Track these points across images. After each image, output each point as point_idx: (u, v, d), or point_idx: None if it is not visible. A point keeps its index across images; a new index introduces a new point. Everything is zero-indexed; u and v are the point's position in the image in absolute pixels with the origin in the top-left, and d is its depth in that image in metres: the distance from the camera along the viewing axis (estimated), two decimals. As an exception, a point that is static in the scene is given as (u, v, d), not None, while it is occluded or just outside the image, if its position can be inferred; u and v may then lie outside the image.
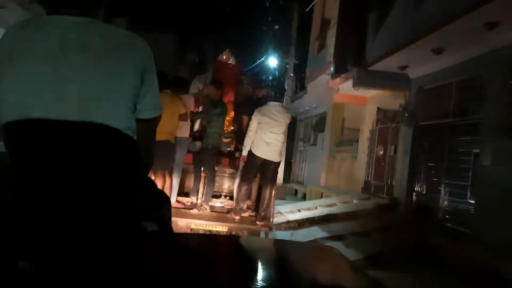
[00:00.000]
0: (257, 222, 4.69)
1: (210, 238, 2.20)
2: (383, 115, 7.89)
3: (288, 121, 4.82)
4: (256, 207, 5.03)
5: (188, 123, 4.93)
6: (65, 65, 0.99)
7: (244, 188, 4.79)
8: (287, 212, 7.16)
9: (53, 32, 1.02)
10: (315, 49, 10.88)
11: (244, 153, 4.80)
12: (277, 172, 4.88)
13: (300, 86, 11.75)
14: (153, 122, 1.20)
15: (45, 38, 1.01)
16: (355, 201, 7.62)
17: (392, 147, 7.66)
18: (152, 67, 1.14)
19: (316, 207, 7.43)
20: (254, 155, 4.68)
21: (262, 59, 12.55)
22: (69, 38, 1.02)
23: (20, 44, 1.00)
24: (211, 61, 6.94)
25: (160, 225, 1.19)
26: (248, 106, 5.09)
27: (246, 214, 5.01)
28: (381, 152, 8.05)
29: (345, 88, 8.19)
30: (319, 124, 11.74)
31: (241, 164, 4.89)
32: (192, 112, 5.03)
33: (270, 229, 4.79)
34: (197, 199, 5.03)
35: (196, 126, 5.33)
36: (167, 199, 1.34)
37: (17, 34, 1.03)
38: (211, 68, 6.80)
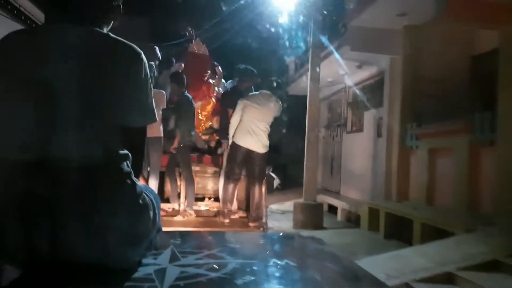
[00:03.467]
0: (250, 224, 4.40)
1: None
2: None
3: (277, 112, 4.49)
4: (246, 207, 4.78)
5: (158, 121, 4.52)
6: (57, 73, 1.07)
7: (230, 187, 4.49)
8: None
9: (48, 39, 1.12)
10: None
11: (230, 142, 4.53)
12: (264, 166, 4.62)
13: (332, 34, 6.51)
14: (143, 131, 1.30)
15: (40, 46, 1.11)
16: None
17: None
18: (146, 77, 1.20)
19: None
20: (237, 145, 4.42)
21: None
22: (63, 46, 1.10)
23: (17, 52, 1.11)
24: (181, 53, 6.39)
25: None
26: (233, 98, 4.70)
27: (236, 216, 4.68)
28: None
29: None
30: (367, 96, 7.59)
31: (225, 159, 4.73)
32: (164, 110, 4.78)
33: (264, 230, 4.36)
34: (179, 205, 4.80)
35: (171, 124, 4.95)
36: (156, 197, 1.33)
37: (16, 41, 1.13)
38: (181, 60, 6.03)
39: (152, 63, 5.84)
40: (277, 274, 1.19)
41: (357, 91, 7.84)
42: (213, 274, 1.15)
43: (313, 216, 6.14)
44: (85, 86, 1.08)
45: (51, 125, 1.05)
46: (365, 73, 7.39)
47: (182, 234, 2.31)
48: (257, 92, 4.59)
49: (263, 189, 4.61)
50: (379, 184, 6.51)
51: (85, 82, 1.08)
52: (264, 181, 4.63)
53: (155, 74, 5.77)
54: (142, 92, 1.20)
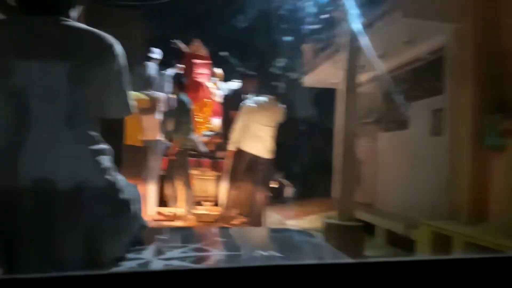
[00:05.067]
0: None
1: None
2: None
3: (281, 116, 4.52)
4: (247, 213, 4.72)
5: (156, 124, 4.69)
6: (32, 64, 1.08)
7: (233, 193, 4.57)
8: None
9: (19, 31, 1.12)
10: None
11: (231, 147, 4.52)
12: (270, 171, 4.71)
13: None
14: (119, 122, 1.72)
15: (10, 37, 1.11)
16: None
17: None
18: (122, 66, 1.21)
19: None
20: (242, 151, 4.43)
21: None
22: (35, 37, 1.11)
23: None
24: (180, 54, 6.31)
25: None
26: (235, 101, 4.84)
27: (236, 222, 4.70)
28: None
29: None
30: (418, 81, 5.95)
31: (229, 162, 4.68)
32: (164, 113, 4.92)
33: None
34: (185, 209, 4.85)
35: (169, 128, 4.89)
36: (137, 194, 1.34)
37: None
38: (180, 61, 6.22)
39: (151, 64, 5.79)
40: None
41: (402, 76, 6.16)
42: (196, 266, 1.17)
43: (351, 240, 4.48)
44: (56, 80, 1.08)
45: (25, 123, 1.05)
46: (415, 51, 5.76)
47: (168, 229, 2.45)
48: (260, 97, 4.57)
49: (266, 195, 4.66)
50: (437, 197, 4.89)
51: (55, 75, 1.07)
52: (267, 186, 4.67)
53: (154, 75, 5.54)
54: (115, 82, 1.20)
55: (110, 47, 1.15)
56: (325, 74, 8.42)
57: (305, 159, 9.38)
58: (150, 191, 4.60)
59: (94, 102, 1.12)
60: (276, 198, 8.43)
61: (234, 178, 4.46)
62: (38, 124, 1.05)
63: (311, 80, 9.23)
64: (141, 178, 4.42)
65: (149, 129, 4.49)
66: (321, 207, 7.14)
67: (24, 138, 1.03)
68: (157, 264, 1.16)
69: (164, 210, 4.95)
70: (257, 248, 1.39)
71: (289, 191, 8.49)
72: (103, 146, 1.14)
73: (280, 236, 1.80)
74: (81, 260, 1.04)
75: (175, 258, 1.23)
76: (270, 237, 1.78)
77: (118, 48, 1.17)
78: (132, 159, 4.08)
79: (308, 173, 8.99)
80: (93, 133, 1.12)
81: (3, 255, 1.03)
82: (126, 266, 1.13)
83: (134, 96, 5.29)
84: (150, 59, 6.09)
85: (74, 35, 1.12)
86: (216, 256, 1.30)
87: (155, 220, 4.67)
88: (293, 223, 6.59)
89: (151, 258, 1.22)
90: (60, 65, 1.06)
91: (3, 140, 1.04)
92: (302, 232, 1.81)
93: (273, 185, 8.80)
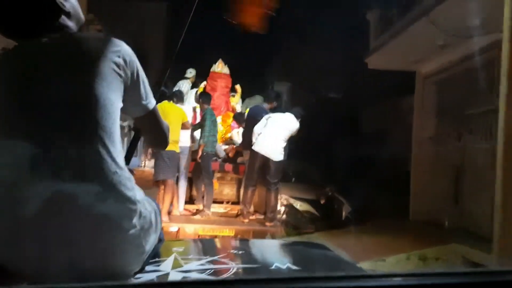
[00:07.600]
0: (267, 223, 5.26)
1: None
2: None
3: (294, 132, 5.37)
4: (264, 210, 5.54)
5: (189, 132, 5.69)
6: (49, 87, 1.10)
7: (249, 191, 5.33)
8: None
9: (28, 57, 1.14)
10: None
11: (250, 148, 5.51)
12: (280, 172, 5.36)
13: None
14: (152, 114, 1.34)
15: (23, 65, 1.13)
16: None
17: None
18: (137, 66, 1.23)
19: None
20: (256, 152, 5.21)
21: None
22: (45, 58, 1.13)
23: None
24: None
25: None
26: (258, 118, 5.56)
27: (253, 217, 5.55)
28: None
29: None
30: None
31: (246, 163, 5.65)
32: (191, 124, 5.87)
33: (280, 229, 5.20)
34: (203, 206, 5.58)
35: (197, 135, 5.98)
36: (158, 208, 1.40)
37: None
38: (204, 79, 7.19)
39: (185, 82, 6.86)
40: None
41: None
42: (215, 279, 1.18)
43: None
44: (74, 95, 1.09)
45: (56, 142, 1.06)
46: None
47: (185, 242, 2.49)
48: (282, 113, 5.51)
49: (278, 194, 5.44)
50: None
51: (73, 90, 1.09)
52: (279, 186, 5.37)
53: (186, 92, 6.54)
54: (139, 82, 1.22)
55: (122, 49, 1.15)
56: (402, 50, 6.26)
57: (367, 167, 7.15)
58: (181, 190, 5.46)
59: (111, 110, 1.10)
60: (329, 218, 6.12)
61: (250, 178, 5.24)
62: (57, 141, 1.05)
63: (378, 60, 7.07)
64: (175, 179, 5.28)
65: (183, 137, 5.33)
66: (403, 237, 4.84)
67: (42, 155, 1.03)
68: (175, 276, 1.18)
69: (190, 207, 5.66)
70: (274, 261, 1.39)
71: (346, 210, 6.25)
72: (122, 160, 1.13)
73: (296, 249, 1.78)
74: (102, 273, 1.03)
75: (193, 270, 1.23)
76: (286, 250, 1.75)
77: (129, 49, 1.18)
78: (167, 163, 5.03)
79: (372, 186, 6.70)
80: (111, 148, 1.09)
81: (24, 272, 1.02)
82: (145, 278, 1.14)
83: (179, 112, 5.36)
84: (185, 78, 7.21)
85: (83, 46, 1.12)
86: (234, 269, 1.28)
87: (182, 215, 5.40)
88: (369, 267, 3.90)
89: (169, 271, 1.23)
90: (75, 80, 1.06)
91: (21, 160, 1.02)
92: (318, 245, 1.76)
93: (322, 200, 6.50)
